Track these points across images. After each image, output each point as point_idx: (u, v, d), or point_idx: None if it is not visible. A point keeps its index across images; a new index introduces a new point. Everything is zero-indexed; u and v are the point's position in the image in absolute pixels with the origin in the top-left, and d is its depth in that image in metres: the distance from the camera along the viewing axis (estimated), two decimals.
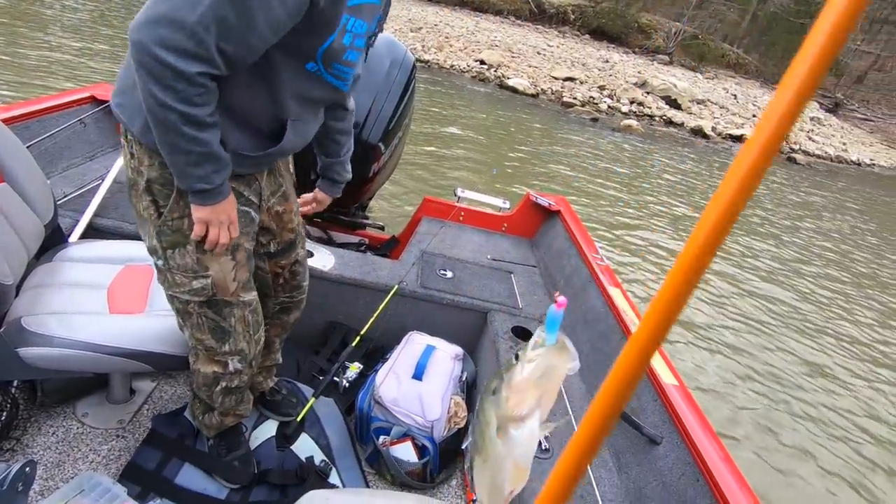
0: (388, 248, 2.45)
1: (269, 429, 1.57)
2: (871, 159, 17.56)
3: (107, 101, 2.22)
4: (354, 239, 2.46)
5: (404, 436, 1.49)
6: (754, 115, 17.45)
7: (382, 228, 2.60)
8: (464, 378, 1.75)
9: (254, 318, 1.21)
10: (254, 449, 1.49)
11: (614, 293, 1.75)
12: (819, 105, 23.98)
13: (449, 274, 2.03)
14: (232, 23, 0.83)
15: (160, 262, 1.09)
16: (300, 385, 1.72)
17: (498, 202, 2.63)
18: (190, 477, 1.38)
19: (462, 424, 1.60)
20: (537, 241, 2.48)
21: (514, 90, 13.22)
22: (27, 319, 1.20)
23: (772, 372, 3.74)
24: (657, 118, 14.40)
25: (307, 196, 1.43)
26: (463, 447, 1.64)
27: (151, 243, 1.07)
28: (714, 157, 11.53)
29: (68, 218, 1.70)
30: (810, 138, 17.12)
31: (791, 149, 15.15)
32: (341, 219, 2.41)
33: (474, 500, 1.52)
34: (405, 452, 1.49)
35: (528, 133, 9.41)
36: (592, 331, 1.73)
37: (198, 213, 0.99)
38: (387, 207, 4.46)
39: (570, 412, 1.48)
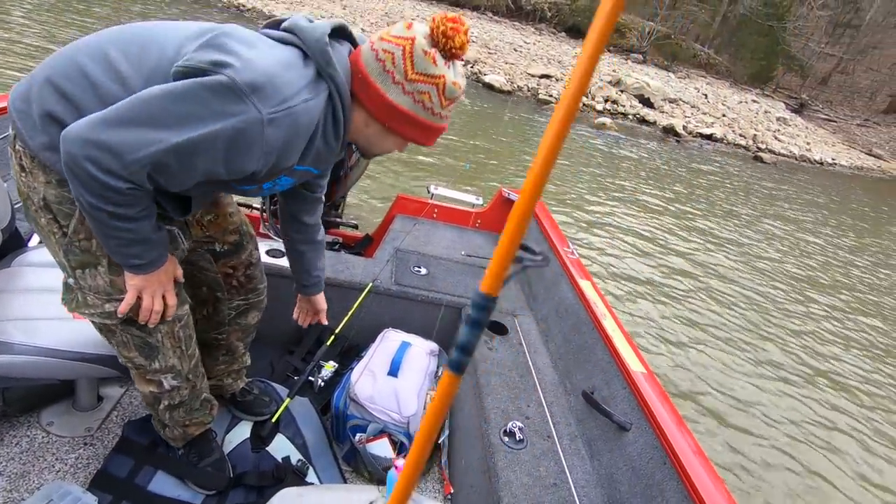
0: (362, 246, 2.45)
1: (243, 431, 1.55)
2: (833, 158, 18.11)
3: None
4: (328, 238, 2.44)
5: (381, 432, 1.50)
6: (723, 115, 17.86)
7: (356, 227, 2.60)
8: (440, 373, 1.77)
9: (185, 332, 1.13)
10: (228, 452, 1.47)
11: (584, 286, 1.79)
12: (785, 105, 24.49)
13: (423, 271, 2.04)
14: (171, 169, 0.82)
15: (70, 281, 1.01)
16: (274, 385, 1.71)
17: (471, 198, 2.66)
18: (163, 484, 1.35)
19: None
20: None
21: (490, 87, 13.28)
22: None
23: (733, 355, 3.88)
24: (630, 116, 14.62)
25: (306, 311, 1.49)
26: (439, 441, 1.66)
27: (59, 259, 0.99)
28: (683, 155, 11.79)
29: (26, 222, 1.64)
30: (776, 138, 17.55)
31: (758, 147, 15.51)
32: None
33: (452, 493, 1.55)
34: (382, 449, 1.49)
35: (502, 130, 9.49)
36: (565, 322, 1.77)
37: (130, 280, 0.97)
38: (361, 206, 4.44)
39: (544, 403, 1.51)
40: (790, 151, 16.69)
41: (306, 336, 1.88)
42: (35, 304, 1.27)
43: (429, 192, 2.59)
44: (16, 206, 1.50)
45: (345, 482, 1.53)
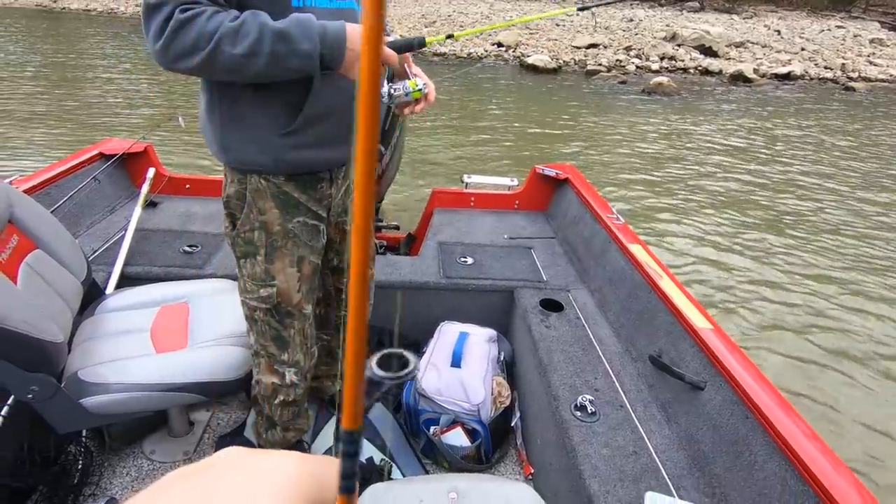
0: (407, 245, 2.49)
1: (327, 439, 1.63)
2: None
3: (114, 156, 2.30)
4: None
5: (453, 423, 1.53)
6: (802, 49, 15.83)
7: (398, 228, 2.64)
8: (501, 358, 1.78)
9: (311, 331, 1.30)
10: None
11: (635, 250, 1.74)
12: (880, 25, 20.95)
13: (469, 260, 2.06)
14: None
15: (237, 271, 1.20)
16: None
17: (506, 181, 2.64)
18: None
19: (507, 403, 1.63)
20: (551, 213, 2.48)
21: (534, 68, 12.55)
22: (83, 372, 1.28)
23: (815, 303, 3.66)
24: (692, 70, 13.32)
25: None
26: (513, 424, 1.67)
27: (233, 252, 1.19)
28: (754, 103, 10.41)
29: (101, 271, 1.78)
30: (871, 62, 15.18)
31: (848, 77, 13.49)
32: None
33: (532, 474, 1.56)
34: (457, 438, 1.53)
35: (547, 109, 9.12)
36: (620, 290, 1.73)
37: (345, 65, 0.96)
38: (399, 207, 4.50)
39: (611, 373, 1.49)
40: (890, 75, 14.24)
41: (368, 341, 1.94)
42: (122, 346, 1.38)
43: (463, 182, 2.60)
44: (89, 260, 1.63)
45: (427, 474, 1.58)
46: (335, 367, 1.63)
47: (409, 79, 1.09)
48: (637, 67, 13.06)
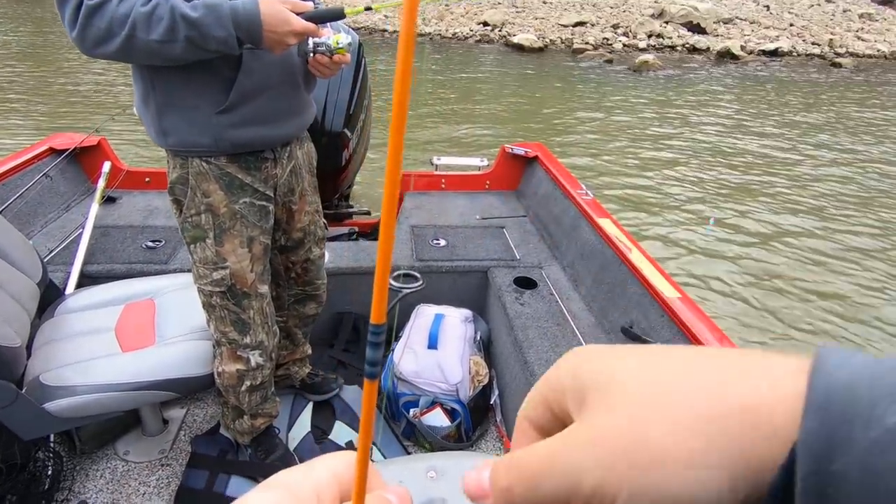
0: (379, 230, 2.47)
1: (304, 426, 1.62)
2: None
3: (66, 150, 2.19)
4: (344, 229, 2.47)
5: (432, 404, 1.54)
6: (790, 25, 15.55)
7: (369, 213, 2.61)
8: (478, 337, 1.79)
9: (270, 309, 1.30)
10: (294, 448, 1.54)
11: (605, 224, 1.76)
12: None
13: (442, 242, 2.05)
14: None
15: (189, 257, 1.20)
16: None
17: (476, 161, 2.63)
18: (239, 487, 1.43)
19: (486, 381, 1.65)
20: (522, 191, 2.49)
21: (520, 47, 12.42)
22: (45, 376, 1.23)
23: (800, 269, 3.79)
24: (679, 48, 13.18)
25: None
26: (492, 402, 1.69)
27: (183, 239, 1.19)
28: (738, 80, 10.33)
29: (60, 272, 1.71)
30: (859, 38, 14.97)
31: (836, 53, 13.32)
32: (326, 213, 2.41)
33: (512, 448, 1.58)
34: (437, 419, 1.54)
35: (529, 89, 9.03)
36: (591, 264, 1.76)
37: (264, 44, 0.96)
38: (368, 192, 4.44)
39: (584, 344, 1.52)
40: (878, 50, 14.11)
41: (342, 327, 1.93)
42: (84, 346, 1.34)
43: (433, 164, 2.58)
44: (45, 260, 1.56)
45: (408, 455, 1.59)
46: (297, 350, 1.62)
47: (336, 34, 1.06)
48: (624, 45, 12.87)
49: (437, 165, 2.56)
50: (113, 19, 0.89)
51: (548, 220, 2.15)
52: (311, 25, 0.98)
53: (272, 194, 1.21)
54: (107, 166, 2.20)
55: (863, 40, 14.90)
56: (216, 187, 1.12)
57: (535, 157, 2.41)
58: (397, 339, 1.74)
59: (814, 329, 3.13)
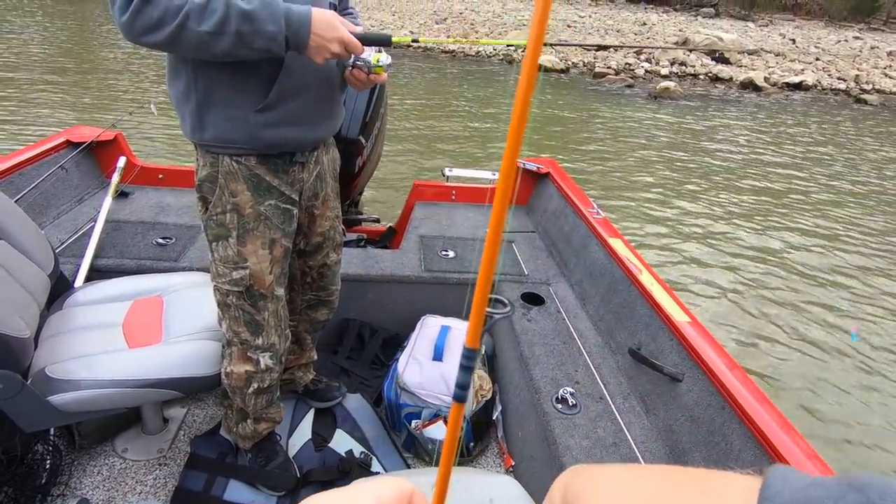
0: (387, 239, 2.47)
1: (304, 433, 1.61)
2: None
3: (82, 143, 2.21)
4: (353, 236, 2.47)
5: (435, 416, 1.53)
6: (816, 59, 15.42)
7: (378, 221, 2.61)
8: (483, 351, 1.78)
9: (284, 312, 1.29)
10: (293, 455, 1.53)
11: (616, 244, 1.76)
12: None
13: (451, 254, 2.05)
14: None
15: (210, 255, 1.20)
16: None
17: (487, 175, 2.64)
18: (237, 491, 1.42)
19: (489, 396, 1.63)
20: (532, 207, 2.49)
21: (542, 68, 12.61)
22: (51, 368, 1.23)
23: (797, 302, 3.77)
24: (702, 76, 13.09)
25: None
26: (494, 417, 1.68)
27: (206, 236, 1.19)
28: (760, 111, 10.25)
29: (69, 264, 1.71)
30: (886, 74, 14.67)
31: (861, 89, 13.06)
32: None
33: (513, 466, 1.57)
34: (439, 432, 1.52)
35: (547, 109, 9.07)
36: (600, 284, 1.75)
37: (309, 49, 0.98)
38: (379, 200, 4.46)
39: (591, 366, 1.51)
40: None
41: (346, 334, 1.92)
42: (92, 341, 1.33)
43: (444, 175, 2.58)
44: (56, 251, 1.56)
45: (408, 468, 1.58)
46: (304, 356, 1.62)
47: (376, 52, 1.12)
48: (646, 71, 12.81)
49: (448, 177, 2.56)
50: (167, 9, 0.90)
51: (557, 236, 2.15)
52: (355, 39, 1.00)
53: (297, 198, 1.23)
54: (122, 161, 2.21)
55: (890, 77, 14.63)
56: (244, 188, 1.13)
57: (547, 174, 2.41)
58: (402, 348, 1.74)
59: (815, 351, 3.11)
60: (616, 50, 14.33)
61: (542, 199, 2.42)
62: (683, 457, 1.20)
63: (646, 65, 13.31)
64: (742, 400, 1.11)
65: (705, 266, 4.09)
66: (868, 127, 9.69)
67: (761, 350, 3.13)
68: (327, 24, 0.97)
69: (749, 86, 12.45)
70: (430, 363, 1.59)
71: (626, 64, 13.30)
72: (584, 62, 13.30)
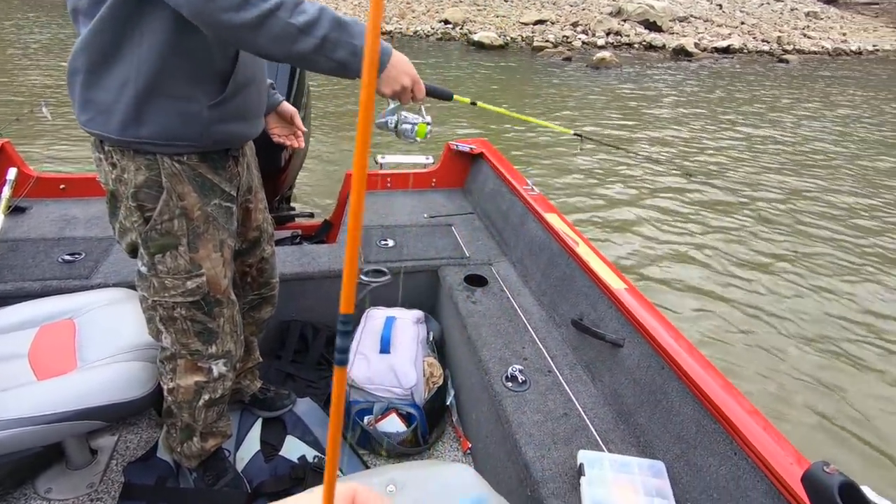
0: (324, 233, 2.38)
1: (252, 445, 1.53)
2: (875, 45, 15.87)
3: None
4: (286, 233, 2.36)
5: (387, 410, 1.50)
6: (742, 23, 16.26)
7: (312, 216, 2.52)
8: (431, 338, 1.77)
9: (239, 318, 1.23)
10: (242, 469, 1.45)
11: (552, 219, 1.79)
12: None
13: (390, 243, 2.01)
14: None
15: (144, 269, 1.09)
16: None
17: (421, 160, 2.60)
18: None
19: (440, 382, 1.62)
20: (469, 188, 2.49)
21: (481, 45, 12.57)
22: None
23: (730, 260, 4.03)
24: (636, 45, 13.64)
25: (282, 127, 1.42)
26: (447, 402, 1.67)
27: (139, 252, 1.08)
28: (692, 76, 10.78)
29: None
30: (805, 35, 15.82)
31: (784, 50, 13.94)
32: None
33: (471, 448, 1.57)
34: (392, 425, 1.50)
35: (486, 85, 9.01)
36: (540, 259, 1.77)
37: (380, 83, 1.00)
38: (311, 193, 4.30)
39: (538, 340, 1.53)
40: (822, 47, 14.88)
41: (288, 337, 1.84)
42: None
43: (377, 163, 2.52)
44: None
45: (366, 466, 1.54)
46: (250, 359, 1.54)
47: (423, 118, 1.20)
48: (583, 43, 13.20)
49: (381, 164, 2.50)
50: None
51: (495, 216, 2.16)
52: (421, 85, 1.05)
53: (235, 194, 1.16)
54: (12, 173, 1.98)
55: (808, 37, 15.80)
56: (190, 189, 1.04)
57: (481, 154, 2.41)
58: None
59: (741, 314, 3.34)
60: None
61: (478, 180, 2.41)
62: (629, 417, 1.24)
63: (583, 36, 13.74)
64: (679, 359, 1.15)
65: (650, 233, 4.28)
66: (787, 84, 10.51)
67: (704, 312, 3.33)
68: (404, 61, 1.01)
69: (681, 52, 13.12)
70: (377, 356, 1.56)
71: (564, 37, 13.63)
72: (521, 37, 13.45)
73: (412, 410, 1.51)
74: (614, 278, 1.45)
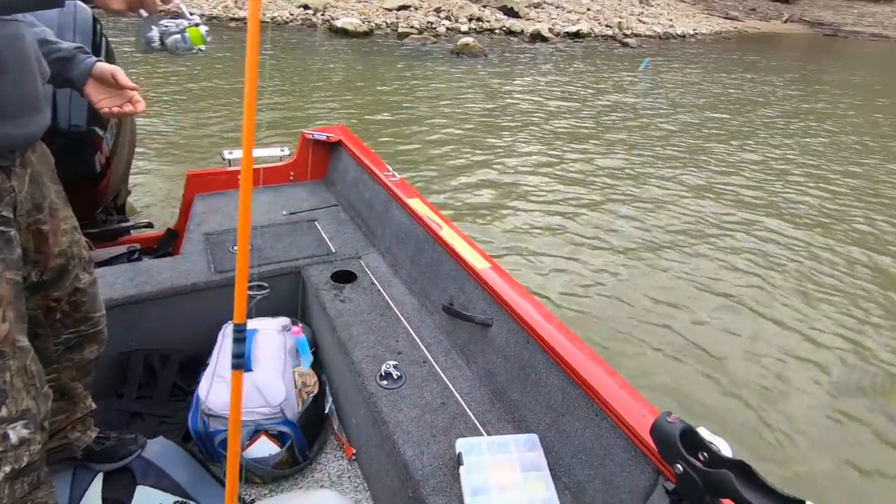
0: (168, 244, 2.09)
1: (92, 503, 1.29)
2: (694, 29, 18.20)
3: None
4: (121, 249, 2.03)
5: (255, 434, 1.35)
6: (588, 9, 17.62)
7: (151, 226, 2.21)
8: (307, 347, 1.64)
9: (37, 367, 0.99)
10: None
11: (415, 205, 1.74)
12: None
13: None
14: None
15: None
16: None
17: (276, 152, 2.39)
18: None
19: (316, 391, 1.51)
20: (330, 179, 2.35)
21: (344, 32, 12.04)
22: None
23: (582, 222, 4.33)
24: (497, 31, 14.17)
25: (108, 94, 1.11)
26: (326, 411, 1.57)
27: None
28: (547, 60, 11.46)
29: None
30: (640, 21, 17.50)
31: (624, 34, 15.41)
32: (91, 232, 1.95)
33: (355, 454, 1.49)
34: (263, 449, 1.36)
35: (349, 75, 8.57)
36: (407, 247, 1.72)
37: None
38: (148, 201, 3.78)
39: (411, 331, 1.48)
40: (654, 31, 16.65)
41: (129, 370, 1.58)
42: None
43: (224, 159, 2.26)
44: None
45: (241, 499, 1.39)
46: (76, 410, 1.28)
47: (189, 20, 0.95)
48: (447, 29, 13.38)
49: (229, 160, 2.25)
50: None
51: (360, 206, 2.06)
52: None
53: (12, 216, 0.92)
54: None
55: (643, 23, 17.61)
56: None
57: (339, 142, 2.28)
58: (204, 367, 1.49)
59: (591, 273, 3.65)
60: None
61: (338, 170, 2.28)
62: (503, 395, 1.25)
63: (446, 22, 14.07)
64: (542, 331, 1.18)
65: (516, 208, 4.46)
66: (626, 66, 11.68)
67: (560, 273, 3.56)
68: None
69: (537, 37, 14.02)
70: None
71: (429, 22, 13.78)
72: (386, 23, 13.30)
73: (284, 429, 1.38)
74: (479, 259, 1.45)
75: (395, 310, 1.57)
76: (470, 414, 1.23)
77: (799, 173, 5.93)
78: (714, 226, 4.42)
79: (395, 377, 1.31)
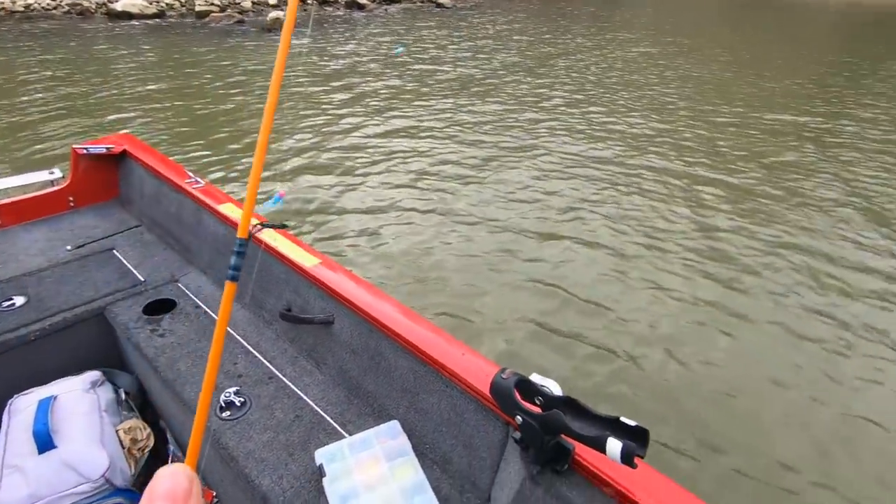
0: None
1: None
2: None
3: None
4: None
5: None
6: None
7: None
8: (121, 396, 1.40)
9: None
10: None
11: (226, 209, 1.57)
12: None
13: (19, 300, 1.48)
14: None
15: None
16: None
17: (43, 176, 1.97)
18: None
19: (151, 443, 1.31)
20: (125, 197, 2.01)
21: (128, 15, 10.30)
22: None
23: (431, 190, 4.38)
24: (309, 1, 13.24)
25: None
26: (170, 461, 1.38)
27: None
28: (375, 26, 11.15)
29: None
30: None
31: None
32: None
33: (215, 497, 1.35)
34: None
35: (139, 67, 7.25)
36: (228, 257, 1.55)
37: None
38: None
39: (250, 347, 1.35)
40: None
41: None
42: None
43: None
44: None
45: None
46: None
47: None
48: (254, 3, 12.27)
49: None
50: None
51: (167, 222, 1.80)
52: None
53: None
54: None
55: None
56: None
57: (124, 152, 1.95)
58: None
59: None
60: None
61: (132, 185, 1.96)
62: (359, 390, 1.21)
63: None
64: (382, 317, 1.15)
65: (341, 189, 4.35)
66: (445, 24, 12.14)
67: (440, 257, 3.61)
68: None
69: (353, 5, 13.99)
70: (36, 459, 1.14)
71: None
72: (180, 2, 11.70)
73: (118, 499, 1.18)
74: (307, 256, 1.36)
75: (228, 329, 1.41)
76: (328, 419, 1.17)
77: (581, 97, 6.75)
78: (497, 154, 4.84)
79: (239, 404, 1.19)
